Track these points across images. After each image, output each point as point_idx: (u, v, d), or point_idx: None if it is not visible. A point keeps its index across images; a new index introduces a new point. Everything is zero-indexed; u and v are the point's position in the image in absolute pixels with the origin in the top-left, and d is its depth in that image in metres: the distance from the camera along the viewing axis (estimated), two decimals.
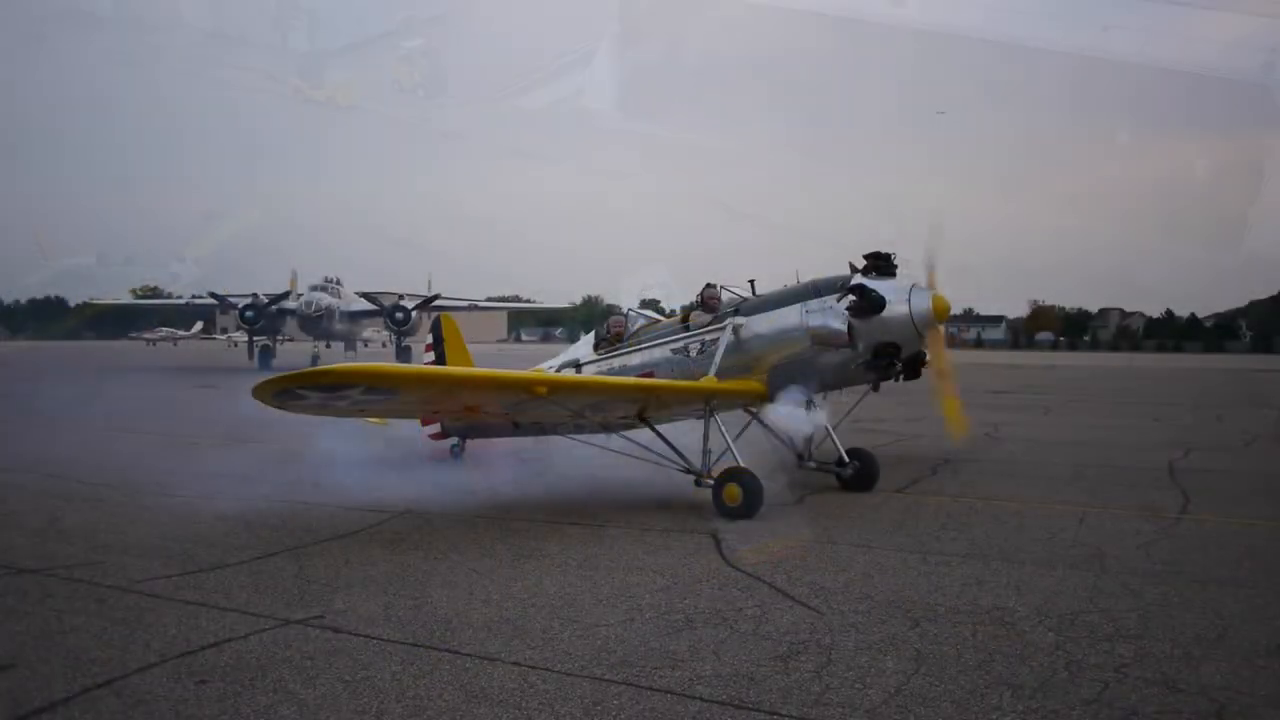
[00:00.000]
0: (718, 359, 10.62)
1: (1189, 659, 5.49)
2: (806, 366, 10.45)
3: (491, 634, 5.94)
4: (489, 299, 79.49)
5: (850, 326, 10.00)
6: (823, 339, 10.19)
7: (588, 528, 9.28)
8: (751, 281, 11.52)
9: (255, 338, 47.32)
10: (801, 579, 7.29)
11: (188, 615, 6.29)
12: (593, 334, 12.87)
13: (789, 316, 10.50)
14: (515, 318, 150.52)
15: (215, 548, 8.25)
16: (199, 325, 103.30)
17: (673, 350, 11.44)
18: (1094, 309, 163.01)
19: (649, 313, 12.79)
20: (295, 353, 47.99)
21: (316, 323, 44.43)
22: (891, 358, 10.07)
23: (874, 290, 9.91)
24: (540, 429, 12.19)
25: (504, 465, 13.20)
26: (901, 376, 10.69)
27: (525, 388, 8.99)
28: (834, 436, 11.59)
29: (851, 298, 10.01)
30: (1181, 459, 14.68)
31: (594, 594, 6.87)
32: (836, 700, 4.87)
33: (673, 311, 13.26)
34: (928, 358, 10.85)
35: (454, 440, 13.82)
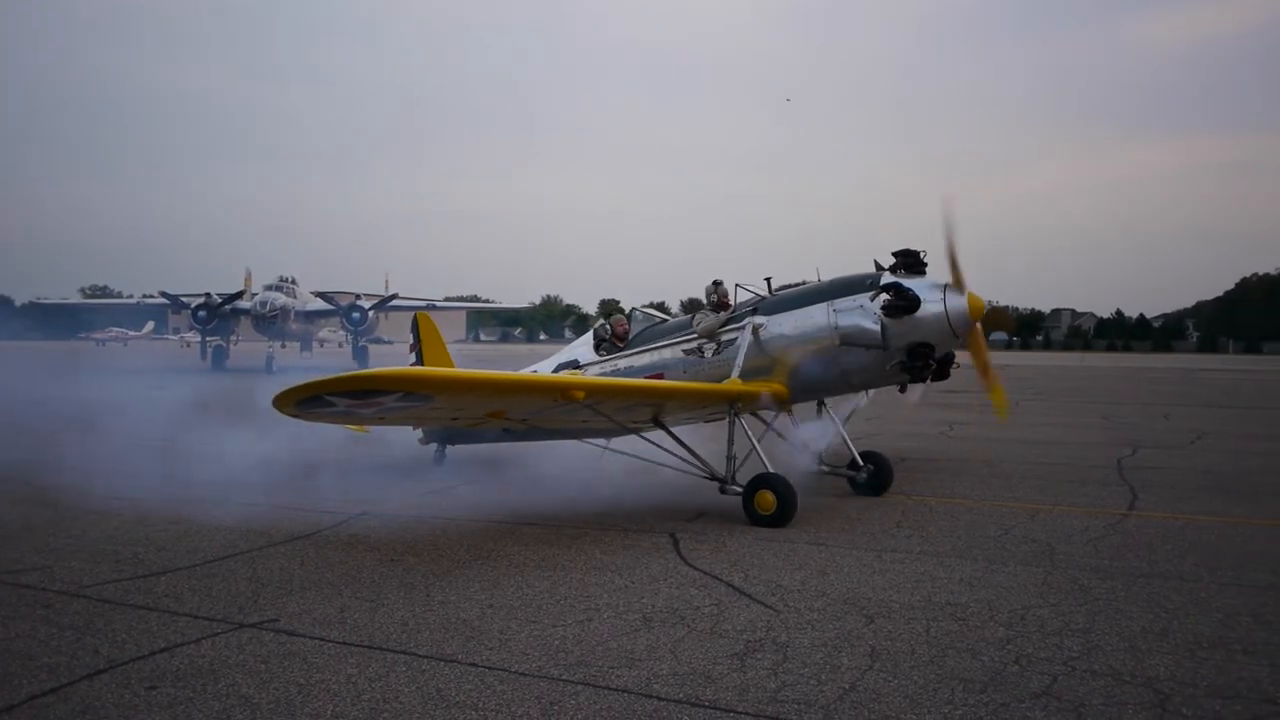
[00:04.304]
0: (740, 360, 10.18)
1: (1135, 651, 5.62)
2: (832, 368, 10.09)
3: (448, 635, 5.91)
4: (447, 298, 79.07)
5: (883, 326, 9.69)
6: (854, 339, 9.83)
7: (545, 528, 9.27)
8: (768, 279, 11.06)
9: (208, 338, 46.61)
10: (758, 577, 7.34)
11: (138, 620, 6.19)
12: (590, 334, 12.35)
13: (815, 316, 10.08)
14: (474, 318, 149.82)
15: (166, 551, 8.12)
16: (150, 325, 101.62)
17: (685, 351, 10.99)
18: (1046, 309, 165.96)
19: (654, 312, 12.32)
20: (249, 353, 47.38)
21: (271, 323, 43.88)
22: (927, 358, 9.71)
23: (910, 289, 9.59)
24: (535, 434, 11.54)
25: (475, 470, 13.13)
26: (930, 378, 10.24)
27: (563, 392, 8.55)
28: (848, 440, 11.29)
29: (886, 296, 9.67)
30: (1130, 456, 14.98)
31: (552, 594, 6.87)
32: (792, 697, 4.91)
33: (691, 304, 12.98)
34: (956, 358, 10.51)
35: (436, 446, 13.35)
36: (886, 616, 6.31)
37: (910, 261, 9.90)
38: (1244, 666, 5.38)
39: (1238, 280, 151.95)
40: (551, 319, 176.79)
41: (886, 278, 9.88)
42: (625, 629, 6.05)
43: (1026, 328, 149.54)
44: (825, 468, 11.32)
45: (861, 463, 11.11)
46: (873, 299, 9.80)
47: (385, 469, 12.97)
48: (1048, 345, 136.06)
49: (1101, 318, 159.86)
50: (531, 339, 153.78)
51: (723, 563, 7.82)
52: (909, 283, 9.67)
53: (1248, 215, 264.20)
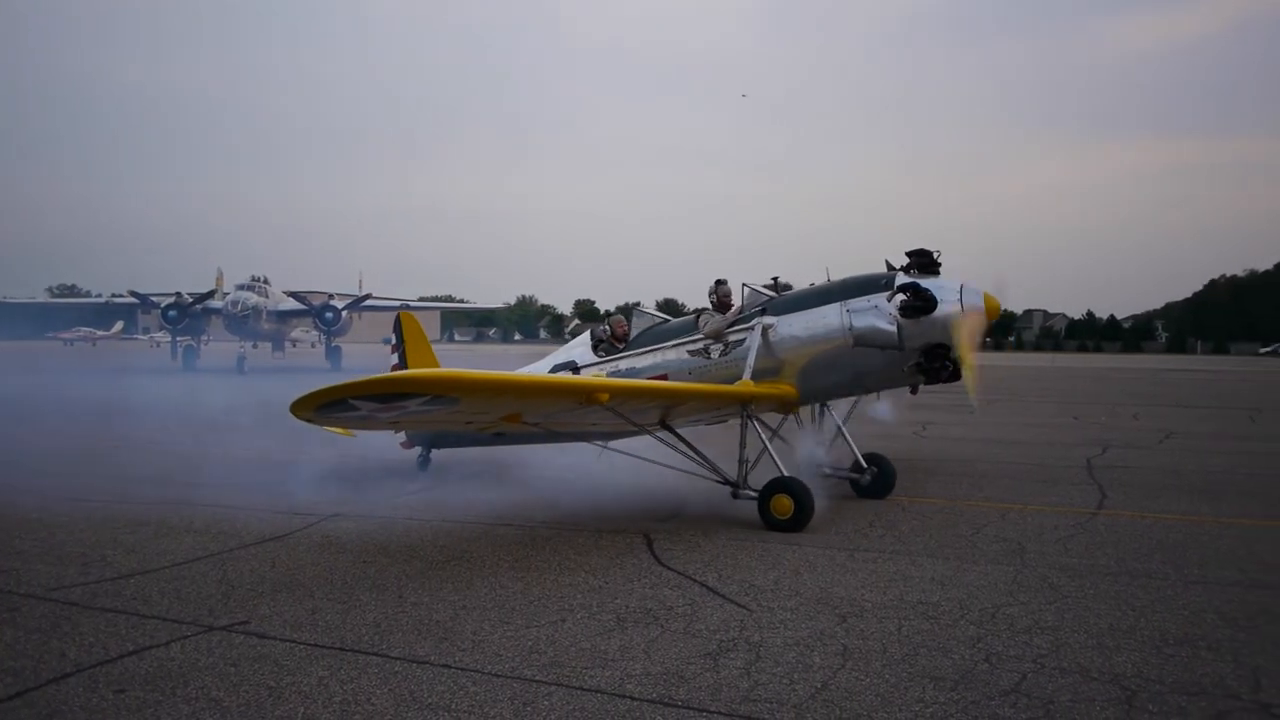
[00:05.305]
0: (751, 361, 10.00)
1: (1103, 649, 5.68)
2: (843, 368, 9.95)
3: (421, 637, 5.89)
4: (421, 299, 78.71)
5: (899, 327, 9.56)
6: (868, 340, 9.69)
7: (519, 529, 9.25)
8: (775, 278, 10.90)
9: (179, 338, 46.13)
10: (732, 577, 7.36)
11: (105, 623, 6.12)
12: (587, 334, 12.01)
13: (828, 317, 9.91)
14: (449, 318, 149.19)
15: (135, 554, 8.04)
16: (119, 325, 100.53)
17: (690, 352, 10.73)
18: (1018, 310, 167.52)
19: (655, 312, 12.02)
20: (221, 353, 46.94)
21: (243, 323, 43.47)
22: (943, 359, 9.59)
23: (928, 289, 9.48)
24: (527, 437, 11.15)
25: (448, 472, 13.06)
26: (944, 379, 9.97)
27: (588, 395, 8.32)
28: (851, 442, 11.12)
29: (902, 296, 9.55)
30: (1099, 456, 15.15)
31: (525, 595, 6.85)
32: (764, 696, 4.93)
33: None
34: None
35: (420, 450, 12.97)
36: (859, 615, 6.35)
37: (924, 261, 9.80)
38: (1209, 663, 5.45)
39: (1206, 282, 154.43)
40: (526, 319, 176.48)
41: (901, 278, 9.76)
42: (599, 629, 6.05)
43: (999, 328, 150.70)
44: (828, 470, 11.12)
45: (865, 465, 10.96)
46: (889, 299, 9.67)
47: (359, 470, 12.89)
48: (1019, 346, 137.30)
49: (1073, 318, 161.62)
50: (506, 339, 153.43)
51: (696, 563, 7.84)
52: (924, 283, 9.58)
53: (1217, 217, 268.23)
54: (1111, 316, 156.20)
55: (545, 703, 4.84)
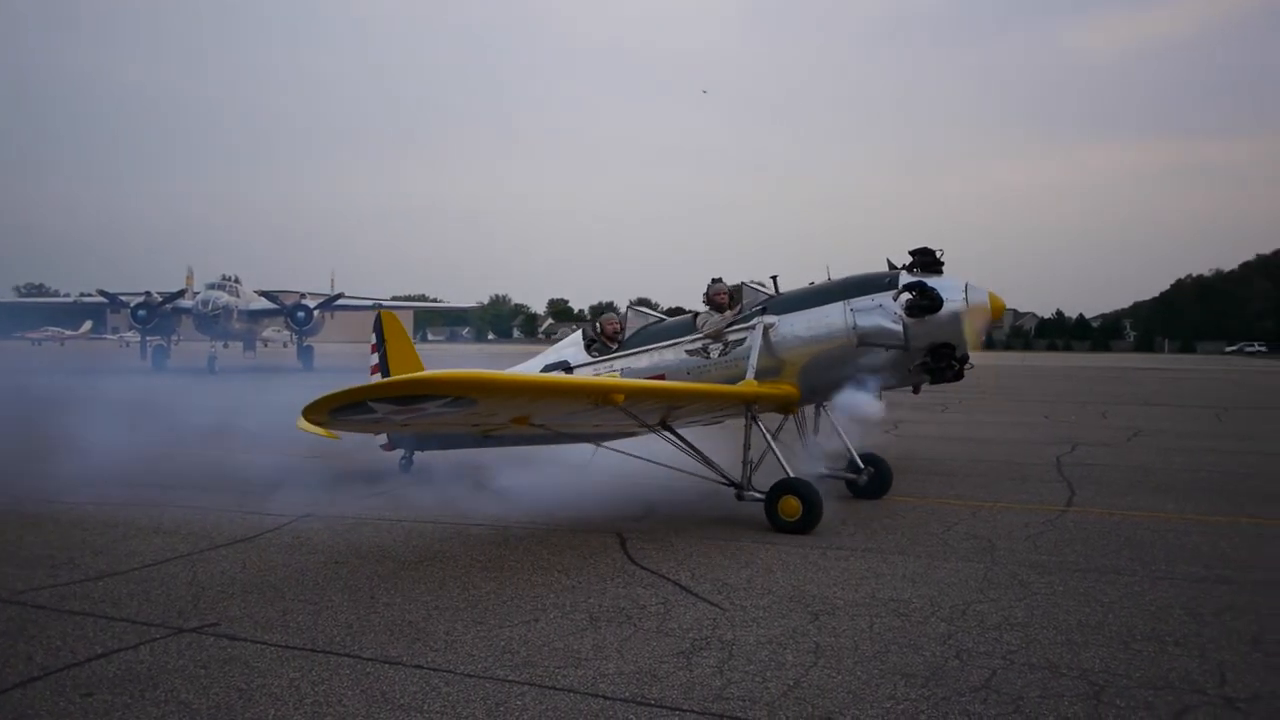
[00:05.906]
0: (753, 360, 9.93)
1: (1071, 645, 5.75)
2: (846, 368, 9.85)
3: (393, 638, 5.86)
4: (394, 298, 78.18)
5: (904, 326, 9.54)
6: (873, 340, 9.66)
7: (492, 529, 9.22)
8: (774, 278, 10.79)
9: (149, 338, 45.62)
10: (705, 575, 7.38)
11: (73, 626, 6.05)
12: (579, 334, 11.84)
13: (831, 316, 9.87)
14: (422, 317, 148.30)
15: (103, 555, 7.94)
16: (88, 324, 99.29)
17: (688, 352, 10.64)
18: None
19: (649, 310, 11.88)
20: (191, 353, 46.49)
21: (213, 322, 43.05)
22: (949, 359, 9.58)
23: (934, 288, 9.45)
24: (519, 439, 10.94)
25: (421, 472, 12.99)
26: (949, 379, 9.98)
27: (604, 395, 8.18)
28: (848, 443, 10.98)
29: (908, 296, 9.54)
30: (1069, 454, 15.32)
31: (498, 595, 6.84)
32: (737, 695, 4.95)
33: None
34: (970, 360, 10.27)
35: (402, 452, 12.71)
36: (831, 613, 6.39)
37: (927, 260, 9.76)
38: (1175, 658, 5.53)
39: (1173, 281, 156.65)
40: (500, 319, 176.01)
41: (906, 277, 9.74)
42: (572, 629, 6.05)
43: None
44: (825, 470, 11.04)
45: (862, 465, 10.87)
46: (894, 298, 9.64)
47: (331, 471, 12.80)
48: (990, 345, 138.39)
49: (1042, 318, 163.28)
50: (480, 339, 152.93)
51: (670, 561, 7.85)
52: (929, 281, 9.55)
53: (1183, 218, 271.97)
54: (1080, 316, 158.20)
55: (518, 703, 4.84)
